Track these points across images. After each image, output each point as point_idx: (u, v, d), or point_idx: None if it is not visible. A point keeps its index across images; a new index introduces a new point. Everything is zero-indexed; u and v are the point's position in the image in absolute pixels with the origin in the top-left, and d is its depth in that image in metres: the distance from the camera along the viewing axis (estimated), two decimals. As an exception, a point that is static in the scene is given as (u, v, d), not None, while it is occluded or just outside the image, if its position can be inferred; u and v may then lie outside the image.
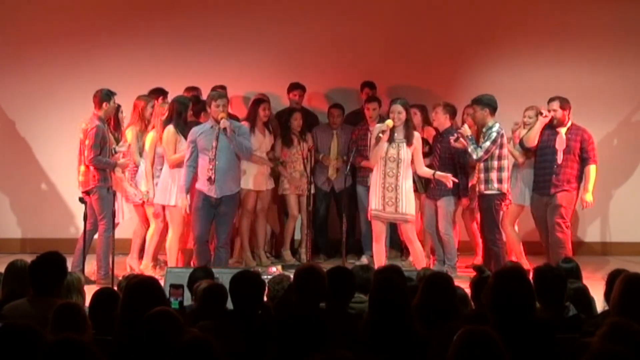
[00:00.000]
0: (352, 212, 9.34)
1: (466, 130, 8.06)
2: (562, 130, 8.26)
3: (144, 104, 8.44)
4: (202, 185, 7.81)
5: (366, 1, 9.95)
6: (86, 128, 8.09)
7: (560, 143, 8.24)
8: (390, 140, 7.78)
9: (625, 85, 9.88)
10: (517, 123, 8.61)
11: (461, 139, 8.05)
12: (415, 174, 8.01)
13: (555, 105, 8.25)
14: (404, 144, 7.74)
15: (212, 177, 7.75)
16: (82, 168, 8.15)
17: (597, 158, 8.32)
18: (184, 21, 9.88)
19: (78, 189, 8.21)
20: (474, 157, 7.94)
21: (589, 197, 8.28)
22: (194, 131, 7.80)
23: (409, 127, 7.78)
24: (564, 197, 8.21)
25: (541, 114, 8.28)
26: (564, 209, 8.20)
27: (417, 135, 7.87)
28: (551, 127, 8.30)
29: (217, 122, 7.75)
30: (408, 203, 7.75)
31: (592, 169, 8.28)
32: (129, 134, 8.44)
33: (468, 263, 8.56)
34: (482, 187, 8.04)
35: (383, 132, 7.74)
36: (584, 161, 8.27)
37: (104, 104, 8.08)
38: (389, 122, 7.75)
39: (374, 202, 7.83)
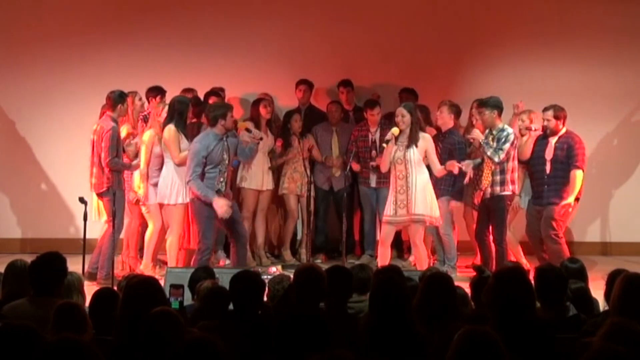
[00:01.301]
0: (352, 212, 9.35)
1: (479, 135, 8.05)
2: (553, 140, 8.25)
3: (130, 99, 8.49)
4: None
5: (367, 1, 9.95)
6: (99, 129, 8.09)
7: (548, 153, 8.23)
8: (397, 142, 7.84)
9: (625, 85, 9.87)
10: (516, 106, 8.57)
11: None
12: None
13: (549, 115, 8.24)
14: (412, 146, 7.76)
15: (224, 188, 7.72)
16: (95, 170, 8.13)
17: (582, 164, 8.17)
18: (183, 21, 9.87)
19: (90, 191, 8.20)
20: (495, 160, 7.90)
21: (570, 199, 8.16)
22: (205, 145, 7.55)
23: (415, 129, 7.78)
24: (556, 209, 8.17)
25: (530, 129, 8.28)
26: (556, 221, 8.16)
27: (426, 137, 7.85)
28: (545, 136, 8.30)
29: (227, 131, 7.69)
30: (422, 203, 7.73)
31: (576, 175, 8.15)
32: (124, 131, 8.45)
33: (468, 263, 8.56)
34: (498, 188, 8.00)
35: (388, 141, 7.83)
36: (569, 167, 8.18)
37: (119, 106, 8.10)
38: (395, 131, 7.82)
39: (388, 208, 7.89)
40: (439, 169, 7.90)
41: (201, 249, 7.64)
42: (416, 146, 7.75)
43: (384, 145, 7.90)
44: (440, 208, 8.38)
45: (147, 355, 3.69)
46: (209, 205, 7.55)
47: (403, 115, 7.81)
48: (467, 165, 8.07)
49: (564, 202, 8.18)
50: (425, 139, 7.83)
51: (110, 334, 4.12)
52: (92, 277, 7.90)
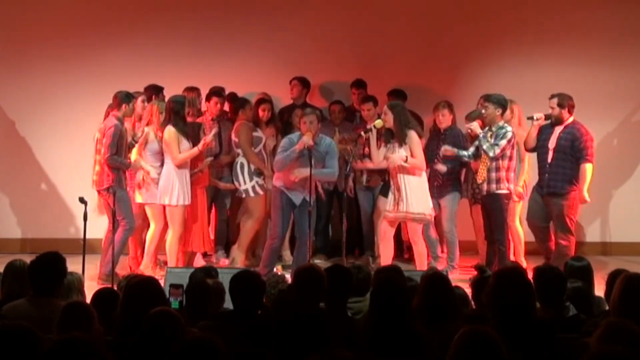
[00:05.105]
0: (353, 212, 9.33)
1: (477, 128, 8.06)
2: (558, 129, 8.21)
3: (134, 100, 8.49)
4: (292, 186, 7.81)
5: (367, 1, 9.96)
6: (103, 127, 8.10)
7: (552, 142, 8.19)
8: (387, 141, 7.95)
9: (625, 85, 9.87)
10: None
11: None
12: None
13: (553, 102, 8.19)
14: (398, 144, 7.81)
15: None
16: (97, 167, 8.17)
17: (591, 157, 8.09)
18: (183, 21, 9.88)
19: (92, 188, 8.23)
20: (490, 154, 7.91)
21: (584, 196, 8.10)
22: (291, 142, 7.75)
23: (400, 127, 7.80)
24: (563, 203, 8.06)
25: (532, 118, 8.27)
26: (566, 217, 8.06)
27: (409, 135, 7.83)
28: (551, 125, 8.28)
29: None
30: (413, 201, 7.79)
31: (586, 168, 8.06)
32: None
33: (472, 262, 8.52)
34: (494, 186, 8.00)
35: (367, 131, 8.01)
36: (577, 160, 8.09)
37: (124, 106, 8.10)
38: (377, 123, 7.95)
39: (388, 204, 8.00)
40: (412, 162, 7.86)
41: (272, 236, 8.01)
42: (404, 143, 7.79)
43: (362, 134, 8.11)
44: (446, 207, 8.42)
45: (147, 355, 3.69)
46: (284, 196, 7.80)
47: (385, 113, 7.91)
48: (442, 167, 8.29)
49: (581, 195, 8.06)
50: (409, 137, 7.80)
51: (111, 334, 4.13)
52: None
